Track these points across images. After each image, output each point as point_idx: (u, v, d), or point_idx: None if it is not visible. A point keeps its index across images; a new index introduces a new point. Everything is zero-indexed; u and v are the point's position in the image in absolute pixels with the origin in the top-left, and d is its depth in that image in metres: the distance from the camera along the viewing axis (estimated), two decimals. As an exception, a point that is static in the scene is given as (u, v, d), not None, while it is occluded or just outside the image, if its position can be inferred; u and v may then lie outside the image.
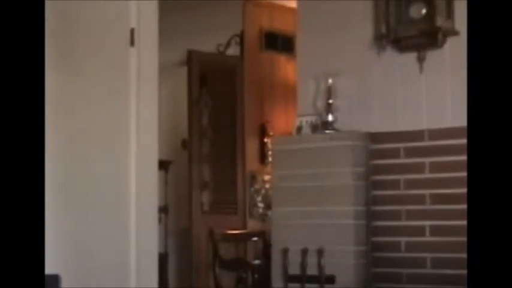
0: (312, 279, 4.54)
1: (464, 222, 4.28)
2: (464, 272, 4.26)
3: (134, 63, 5.81)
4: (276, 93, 7.85)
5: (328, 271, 4.51)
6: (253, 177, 7.73)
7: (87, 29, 5.61)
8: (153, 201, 5.97)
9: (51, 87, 5.33)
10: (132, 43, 5.81)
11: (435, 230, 4.45)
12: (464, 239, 4.29)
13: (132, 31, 5.82)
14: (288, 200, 4.75)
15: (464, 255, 4.26)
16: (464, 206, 4.28)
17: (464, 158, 4.34)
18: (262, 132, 7.85)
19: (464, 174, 4.31)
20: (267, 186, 6.20)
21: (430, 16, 4.43)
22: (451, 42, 4.45)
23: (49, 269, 4.53)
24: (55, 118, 5.39)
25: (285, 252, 4.64)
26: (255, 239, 7.16)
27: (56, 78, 5.39)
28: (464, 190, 4.30)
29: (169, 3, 6.10)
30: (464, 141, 4.30)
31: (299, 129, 4.85)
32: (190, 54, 7.79)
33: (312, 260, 4.55)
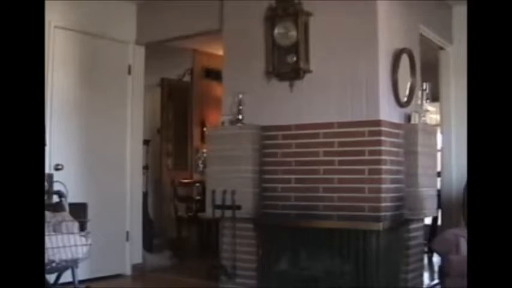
0: (228, 207, 4.51)
1: (312, 176, 4.36)
2: (311, 203, 4.29)
3: (130, 84, 5.80)
4: (210, 103, 7.78)
5: (237, 203, 4.49)
6: (197, 150, 7.68)
7: (103, 61, 5.56)
8: (139, 162, 6.00)
9: (80, 97, 5.28)
10: (129, 73, 5.79)
11: (296, 180, 4.44)
12: (311, 185, 4.33)
13: (129, 66, 5.78)
14: (215, 162, 4.67)
15: (311, 194, 4.31)
16: (312, 167, 4.32)
17: (313, 140, 4.33)
18: (202, 124, 7.81)
19: (313, 149, 4.32)
20: (205, 155, 6.17)
21: (297, 61, 4.42)
22: (307, 76, 4.44)
23: (81, 199, 4.50)
24: (84, 115, 5.34)
25: (213, 192, 4.60)
26: (197, 184, 7.15)
27: (83, 92, 5.33)
28: (313, 158, 4.35)
29: (151, 49, 6.01)
30: (314, 131, 4.33)
31: (223, 123, 4.80)
32: (162, 80, 7.68)
33: (228, 196, 4.50)
